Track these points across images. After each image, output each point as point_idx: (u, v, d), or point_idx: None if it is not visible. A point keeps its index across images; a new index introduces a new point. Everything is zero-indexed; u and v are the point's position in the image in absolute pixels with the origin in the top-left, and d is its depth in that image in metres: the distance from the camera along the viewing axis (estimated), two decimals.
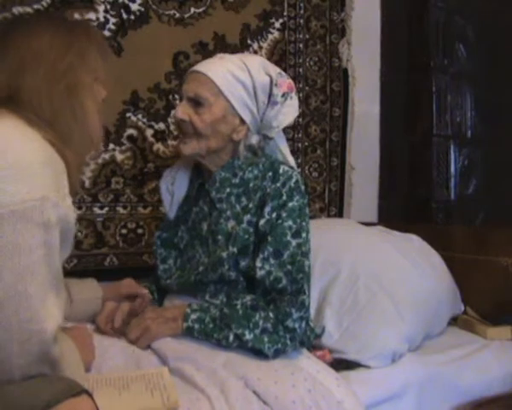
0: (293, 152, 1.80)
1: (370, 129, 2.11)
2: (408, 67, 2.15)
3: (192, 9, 1.77)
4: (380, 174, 2.14)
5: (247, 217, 1.18)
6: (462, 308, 1.66)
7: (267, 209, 1.16)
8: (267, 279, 1.13)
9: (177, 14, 1.74)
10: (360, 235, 1.62)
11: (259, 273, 1.13)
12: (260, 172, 1.22)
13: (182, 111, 1.19)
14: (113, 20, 1.65)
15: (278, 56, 1.91)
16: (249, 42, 1.86)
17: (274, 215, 1.16)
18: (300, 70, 1.96)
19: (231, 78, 1.18)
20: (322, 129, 2.00)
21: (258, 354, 1.09)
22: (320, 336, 1.34)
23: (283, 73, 1.26)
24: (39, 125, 0.82)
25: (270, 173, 1.20)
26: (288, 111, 1.24)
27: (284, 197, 1.16)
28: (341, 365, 1.25)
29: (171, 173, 1.32)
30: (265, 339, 1.08)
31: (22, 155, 0.76)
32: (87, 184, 1.63)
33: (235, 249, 1.16)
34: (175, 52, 1.74)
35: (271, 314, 1.11)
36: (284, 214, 1.15)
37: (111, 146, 1.66)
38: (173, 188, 1.31)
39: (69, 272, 1.01)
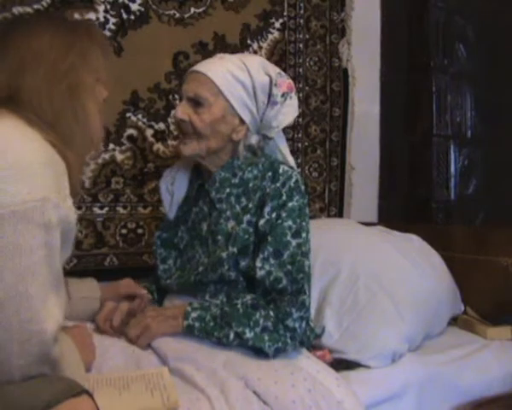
0: (293, 152, 1.80)
1: (370, 129, 2.12)
2: (408, 67, 2.15)
3: (192, 9, 1.77)
4: (380, 174, 2.14)
5: (247, 217, 1.18)
6: (462, 308, 1.66)
7: (267, 209, 1.16)
8: (267, 279, 1.13)
9: (177, 14, 1.74)
10: (360, 235, 1.62)
11: (259, 273, 1.13)
12: (260, 172, 1.22)
13: (181, 111, 1.19)
14: (113, 20, 1.65)
15: (278, 56, 1.91)
16: (249, 42, 1.86)
17: (274, 215, 1.16)
18: (300, 70, 1.96)
19: (231, 78, 1.18)
20: (322, 129, 2.00)
21: (259, 353, 1.09)
22: (320, 336, 1.34)
23: (283, 73, 1.26)
24: (40, 125, 0.82)
25: (270, 173, 1.20)
26: (288, 111, 1.24)
27: (284, 197, 1.16)
28: (341, 365, 1.25)
29: (171, 174, 1.33)
30: (266, 338, 1.08)
31: (22, 155, 0.76)
32: (87, 184, 1.63)
33: (234, 249, 1.16)
34: (175, 52, 1.74)
35: (272, 313, 1.11)
36: (284, 214, 1.15)
37: (111, 146, 1.66)
38: (173, 188, 1.31)
39: (69, 272, 1.01)
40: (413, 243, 1.65)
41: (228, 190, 1.23)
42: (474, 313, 1.65)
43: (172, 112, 1.70)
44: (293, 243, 1.14)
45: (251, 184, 1.22)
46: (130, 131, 1.69)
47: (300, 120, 1.95)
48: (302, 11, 1.96)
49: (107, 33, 1.63)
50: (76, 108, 0.88)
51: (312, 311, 1.34)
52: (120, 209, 1.69)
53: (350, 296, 1.39)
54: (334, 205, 2.04)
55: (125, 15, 1.67)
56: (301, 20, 1.96)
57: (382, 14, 2.12)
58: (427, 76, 2.07)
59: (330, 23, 2.01)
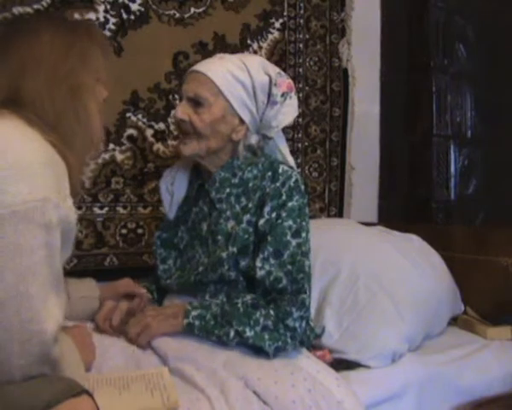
0: (293, 152, 1.80)
1: (370, 129, 2.12)
2: (408, 67, 2.15)
3: (192, 9, 1.77)
4: (380, 174, 2.14)
5: (247, 217, 1.18)
6: (462, 308, 1.66)
7: (267, 209, 1.16)
8: (267, 279, 1.13)
9: (177, 14, 1.75)
10: (360, 235, 1.62)
11: (259, 273, 1.13)
12: (260, 172, 1.22)
13: (181, 111, 1.20)
14: (113, 20, 1.65)
15: (278, 56, 1.91)
16: (249, 42, 1.86)
17: (274, 215, 1.16)
18: (300, 70, 1.96)
19: (231, 78, 1.18)
20: (322, 129, 2.00)
21: (259, 352, 1.09)
22: (320, 336, 1.34)
23: (283, 72, 1.26)
24: (40, 126, 0.82)
25: (270, 173, 1.20)
26: (288, 111, 1.24)
27: (284, 197, 1.16)
28: (341, 365, 1.25)
29: (171, 174, 1.33)
30: (266, 336, 1.08)
31: (22, 155, 0.76)
32: (87, 184, 1.62)
33: (234, 249, 1.16)
34: (175, 52, 1.74)
35: (272, 312, 1.11)
36: (284, 214, 1.15)
37: (111, 146, 1.66)
38: (173, 188, 1.31)
39: (69, 272, 1.01)
40: (413, 243, 1.65)
41: (228, 189, 1.23)
42: (474, 313, 1.65)
43: (172, 112, 1.70)
44: (293, 242, 1.14)
45: (251, 184, 1.22)
46: (130, 131, 1.69)
47: (300, 120, 1.95)
48: (302, 11, 1.96)
49: (107, 33, 1.63)
50: (78, 108, 0.88)
51: (312, 311, 1.34)
52: (120, 209, 1.69)
53: (350, 296, 1.39)
54: (334, 205, 2.04)
55: (125, 15, 1.67)
56: (301, 20, 1.96)
57: (382, 14, 2.12)
58: (427, 76, 2.07)
59: (330, 23, 2.01)
